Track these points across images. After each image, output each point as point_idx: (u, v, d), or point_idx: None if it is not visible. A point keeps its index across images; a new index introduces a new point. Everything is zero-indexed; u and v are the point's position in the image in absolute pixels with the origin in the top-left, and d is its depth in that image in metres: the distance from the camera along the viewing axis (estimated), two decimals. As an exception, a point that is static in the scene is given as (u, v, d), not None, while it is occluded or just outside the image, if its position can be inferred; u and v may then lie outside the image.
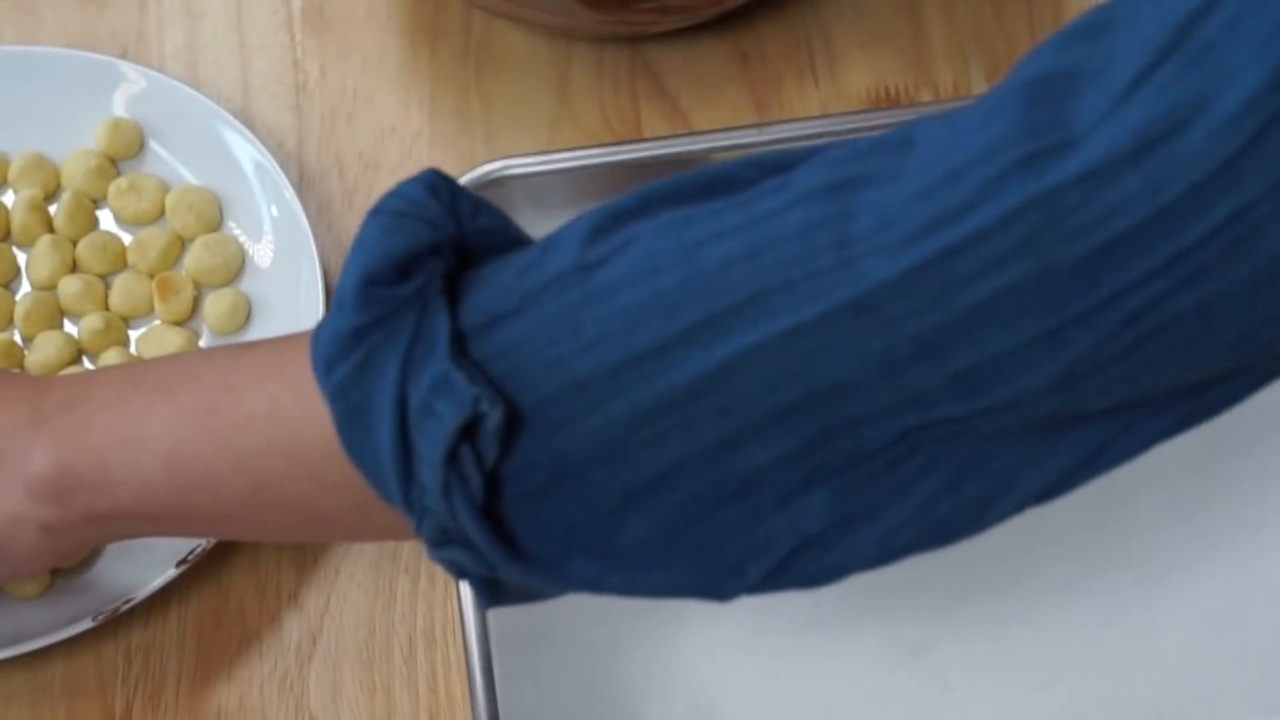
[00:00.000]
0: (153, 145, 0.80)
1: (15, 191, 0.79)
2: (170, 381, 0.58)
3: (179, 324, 0.76)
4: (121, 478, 0.58)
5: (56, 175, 0.79)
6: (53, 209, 0.79)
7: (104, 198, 0.79)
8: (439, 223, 0.52)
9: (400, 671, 0.70)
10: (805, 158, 0.50)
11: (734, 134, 0.77)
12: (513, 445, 0.49)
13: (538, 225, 0.77)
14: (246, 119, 0.81)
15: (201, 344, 0.76)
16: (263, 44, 0.85)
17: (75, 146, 0.80)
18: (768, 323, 0.47)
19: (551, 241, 0.52)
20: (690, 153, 0.77)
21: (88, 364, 0.75)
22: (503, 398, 0.49)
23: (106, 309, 0.76)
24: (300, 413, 0.53)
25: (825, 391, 0.47)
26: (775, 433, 0.47)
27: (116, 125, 0.79)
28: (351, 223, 0.80)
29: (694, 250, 0.48)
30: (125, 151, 0.80)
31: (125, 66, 0.81)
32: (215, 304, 0.76)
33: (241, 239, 0.78)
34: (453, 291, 0.51)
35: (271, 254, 0.77)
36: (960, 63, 0.83)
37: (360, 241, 0.52)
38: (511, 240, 0.54)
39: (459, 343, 0.50)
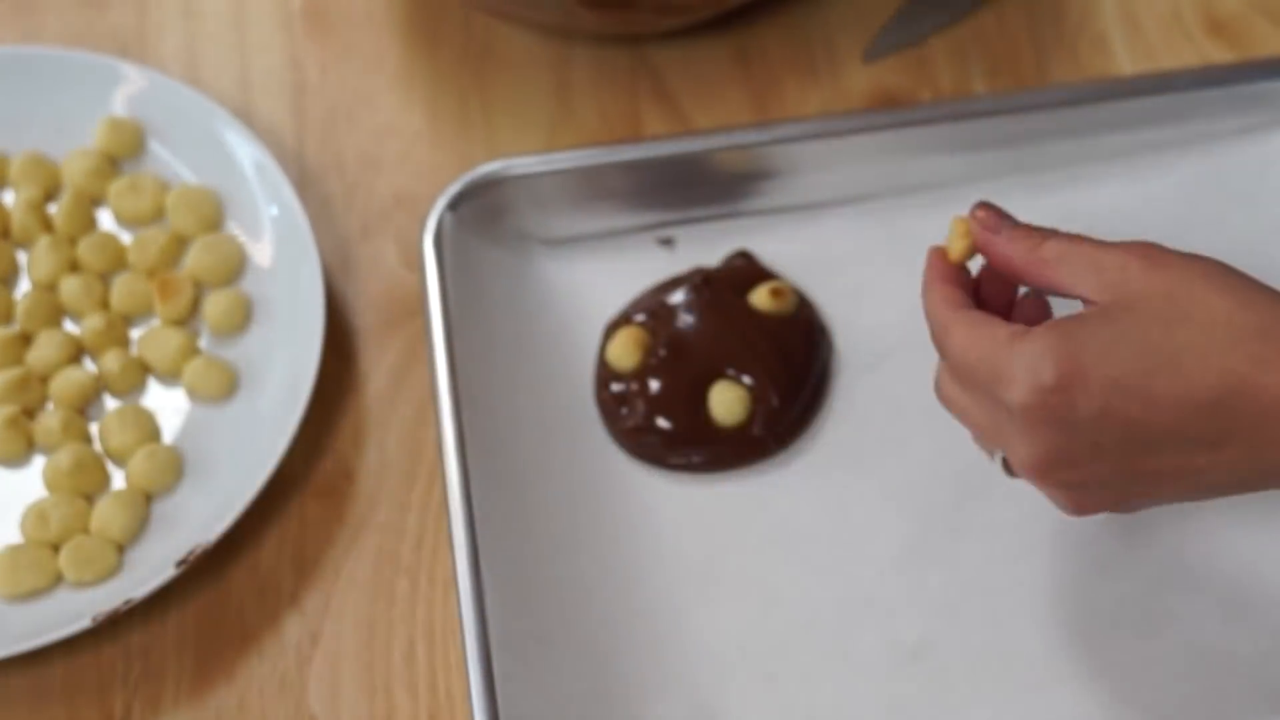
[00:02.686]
0: (153, 145, 0.80)
1: (15, 191, 0.79)
2: None
3: (179, 324, 0.76)
4: None
5: (56, 175, 0.79)
6: (53, 209, 0.79)
7: (104, 198, 0.79)
8: None
9: (400, 672, 0.70)
10: None
11: (734, 134, 0.77)
12: None
13: (538, 225, 0.77)
14: (246, 119, 0.81)
15: (201, 344, 0.76)
16: (263, 44, 0.85)
17: (75, 146, 0.80)
18: None
19: None
20: (690, 153, 0.77)
21: (89, 364, 0.75)
22: None
23: (106, 309, 0.76)
24: None
25: None
26: None
27: (116, 125, 0.79)
28: (351, 223, 0.80)
29: None
30: (125, 151, 0.80)
31: (125, 66, 0.81)
32: (215, 304, 0.76)
33: (241, 239, 0.78)
34: None
35: (271, 254, 0.77)
36: (960, 63, 0.83)
37: None
38: None
39: None
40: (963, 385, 0.61)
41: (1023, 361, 0.57)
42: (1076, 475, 0.58)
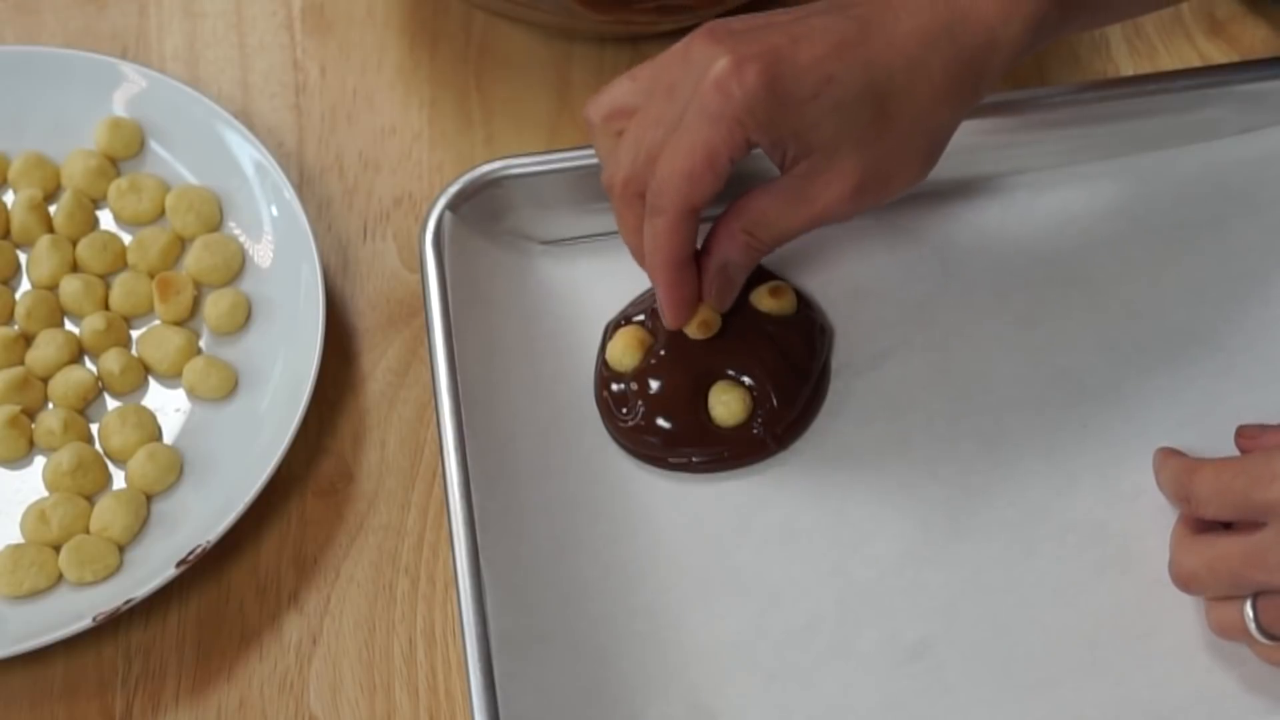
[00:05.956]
0: (153, 145, 0.80)
1: (15, 191, 0.79)
2: None
3: (179, 324, 0.76)
4: None
5: (56, 175, 0.80)
6: (53, 209, 0.79)
7: (104, 198, 0.79)
8: None
9: (400, 671, 0.70)
10: None
11: (734, 134, 0.77)
12: None
13: (538, 225, 0.77)
14: (246, 119, 0.81)
15: (201, 344, 0.76)
16: (263, 44, 0.85)
17: (75, 146, 0.80)
18: None
19: None
20: (690, 153, 0.77)
21: (89, 364, 0.76)
22: None
23: (107, 309, 0.76)
24: None
25: None
26: None
27: (116, 125, 0.80)
28: (352, 223, 0.80)
29: None
30: (125, 151, 0.80)
31: (125, 66, 0.81)
32: (215, 304, 0.76)
33: (241, 239, 0.78)
34: None
35: (271, 254, 0.77)
36: (960, 63, 0.83)
37: None
38: None
39: None
40: (1206, 532, 0.65)
41: None
42: None
